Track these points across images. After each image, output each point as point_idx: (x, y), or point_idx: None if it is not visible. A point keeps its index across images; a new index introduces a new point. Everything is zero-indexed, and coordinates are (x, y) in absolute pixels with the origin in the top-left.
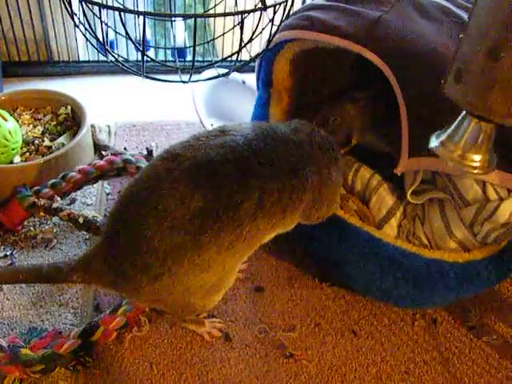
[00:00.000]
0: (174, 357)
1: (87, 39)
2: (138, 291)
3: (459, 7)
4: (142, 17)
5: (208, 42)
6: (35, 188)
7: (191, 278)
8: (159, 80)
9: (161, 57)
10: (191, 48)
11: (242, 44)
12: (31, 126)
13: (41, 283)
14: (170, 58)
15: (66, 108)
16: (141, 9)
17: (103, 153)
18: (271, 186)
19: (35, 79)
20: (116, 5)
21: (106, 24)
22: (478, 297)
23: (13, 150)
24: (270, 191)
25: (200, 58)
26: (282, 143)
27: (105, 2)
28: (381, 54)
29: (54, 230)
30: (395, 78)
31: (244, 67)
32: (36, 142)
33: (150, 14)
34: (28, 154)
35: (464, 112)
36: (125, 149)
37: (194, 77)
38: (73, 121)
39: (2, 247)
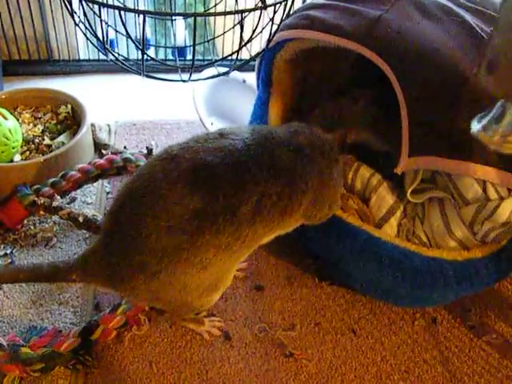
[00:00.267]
0: (174, 356)
1: (87, 38)
2: (135, 290)
3: (460, 6)
4: (142, 15)
5: (208, 41)
6: (35, 187)
7: (188, 277)
8: (159, 79)
9: (161, 56)
10: (191, 47)
11: (242, 43)
12: (31, 124)
13: (40, 282)
14: (171, 57)
15: (66, 107)
16: (141, 8)
17: (103, 152)
18: (269, 190)
19: (35, 78)
20: (116, 3)
21: (106, 23)
22: (478, 296)
23: (13, 148)
24: (269, 195)
25: (200, 57)
26: (280, 147)
27: (105, 1)
28: (381, 53)
29: (54, 229)
30: (396, 78)
31: (244, 66)
32: (36, 140)
33: (149, 12)
34: (28, 152)
35: (502, 100)
36: (125, 147)
37: (194, 76)
38: (73, 119)
39: (2, 246)
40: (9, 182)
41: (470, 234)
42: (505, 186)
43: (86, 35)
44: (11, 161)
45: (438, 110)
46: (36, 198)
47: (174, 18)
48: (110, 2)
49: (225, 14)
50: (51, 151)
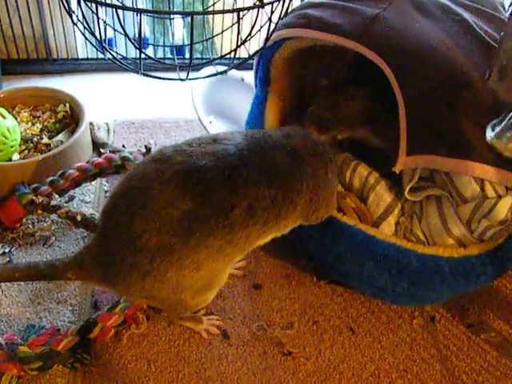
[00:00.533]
0: (172, 354)
1: (85, 37)
2: (130, 288)
3: (458, 4)
4: (139, 14)
5: (207, 40)
6: (34, 185)
7: (180, 277)
8: (157, 78)
9: (160, 54)
10: (189, 45)
11: (240, 42)
12: (30, 123)
13: (37, 281)
14: (169, 56)
15: (65, 105)
16: (140, 6)
17: (101, 150)
18: (262, 194)
19: (34, 77)
20: (114, 2)
21: (104, 21)
22: (476, 294)
23: (11, 147)
24: (261, 199)
25: (199, 56)
26: (274, 150)
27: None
28: (379, 52)
29: (53, 228)
30: (394, 76)
31: (243, 64)
32: (34, 139)
33: (146, 11)
34: (26, 151)
35: None
36: (123, 146)
37: (193, 74)
38: (71, 118)
39: (1, 245)
40: (7, 181)
41: (468, 232)
42: (503, 185)
43: (83, 34)
44: (10, 160)
45: (436, 108)
46: (34, 197)
47: (172, 16)
48: (109, 1)
49: (222, 12)
50: (49, 150)
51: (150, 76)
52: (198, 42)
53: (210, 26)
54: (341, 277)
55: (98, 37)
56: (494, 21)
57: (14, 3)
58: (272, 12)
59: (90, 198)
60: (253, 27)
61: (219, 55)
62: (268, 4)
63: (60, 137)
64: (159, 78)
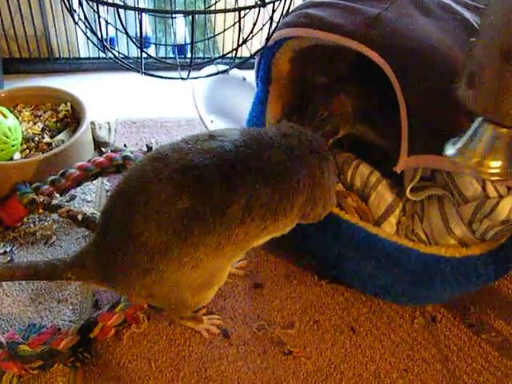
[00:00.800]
0: (173, 353)
1: (86, 36)
2: (130, 287)
3: (459, 4)
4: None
5: (208, 39)
6: (35, 185)
7: (179, 274)
8: (158, 77)
9: (162, 54)
10: (190, 44)
11: (241, 41)
12: (31, 122)
13: (37, 280)
14: (171, 55)
15: (66, 105)
16: (142, 6)
17: (103, 149)
18: (259, 192)
19: (36, 76)
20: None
21: (106, 20)
22: (477, 294)
23: (13, 146)
24: (258, 196)
25: (201, 55)
26: (270, 148)
27: None
28: (380, 52)
29: (54, 227)
30: (395, 76)
31: (245, 64)
32: (36, 138)
33: (148, 10)
34: (28, 150)
35: (480, 118)
36: (125, 145)
37: (194, 73)
38: (73, 117)
39: (2, 244)
40: (8, 180)
41: (469, 231)
42: (504, 185)
43: (85, 33)
44: (11, 159)
45: (437, 108)
46: (35, 196)
47: (173, 15)
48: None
49: (223, 11)
50: (51, 149)
51: (151, 75)
52: (200, 41)
53: (212, 25)
54: (342, 275)
55: (100, 36)
56: None
57: (15, 2)
58: (273, 11)
59: (92, 197)
60: (254, 26)
61: (221, 54)
62: (269, 3)
63: (61, 136)
64: (160, 77)
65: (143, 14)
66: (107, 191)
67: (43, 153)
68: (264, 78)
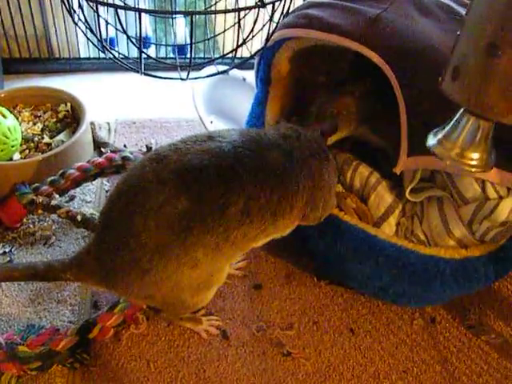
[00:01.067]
0: (171, 354)
1: (86, 36)
2: (129, 288)
3: (460, 4)
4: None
5: (208, 40)
6: (34, 185)
7: (179, 274)
8: (157, 77)
9: (163, 54)
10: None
11: (240, 41)
12: (31, 123)
13: (35, 281)
14: (172, 55)
15: (66, 105)
16: (142, 6)
17: (102, 150)
18: (258, 193)
19: (36, 76)
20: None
21: (106, 21)
22: (477, 295)
23: (12, 147)
24: (257, 197)
25: (202, 55)
26: (269, 150)
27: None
28: (380, 52)
29: (53, 227)
30: (394, 76)
31: (245, 64)
32: (35, 139)
33: (146, 11)
34: (27, 151)
35: (462, 110)
36: (124, 146)
37: (194, 74)
38: (72, 118)
39: (1, 244)
40: (8, 181)
41: (469, 233)
42: (504, 186)
43: (84, 33)
44: (10, 159)
45: (437, 108)
46: (34, 197)
47: (173, 16)
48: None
49: (222, 12)
50: (50, 150)
51: (151, 75)
52: (200, 42)
53: (213, 25)
54: (341, 276)
55: (99, 36)
56: None
57: (16, 2)
58: (273, 12)
59: (91, 198)
60: (253, 27)
61: (221, 55)
62: (269, 4)
63: (61, 136)
64: (160, 77)
65: (143, 14)
66: (107, 192)
67: (43, 153)
68: (264, 78)
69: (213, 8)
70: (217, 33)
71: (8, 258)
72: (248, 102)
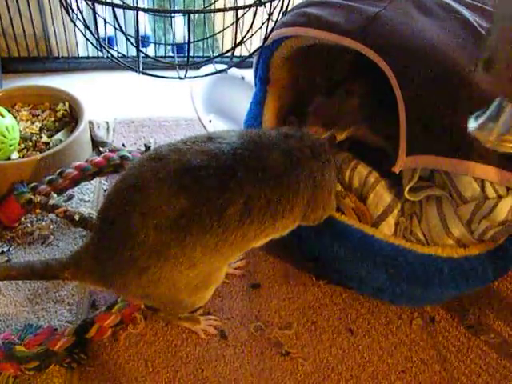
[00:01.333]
0: (169, 354)
1: (83, 35)
2: (126, 287)
3: (459, 3)
4: (139, 12)
5: (207, 38)
6: (32, 184)
7: (176, 273)
8: (155, 76)
9: (162, 52)
10: (190, 43)
11: (237, 40)
12: (29, 122)
13: (33, 280)
14: (171, 54)
15: (64, 104)
16: (141, 5)
17: (101, 149)
18: (257, 193)
19: (35, 75)
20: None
21: (104, 19)
22: (476, 295)
23: (10, 146)
24: (257, 198)
25: (201, 54)
26: (269, 150)
27: None
28: (379, 51)
29: (51, 227)
30: (394, 75)
31: (244, 62)
32: (34, 138)
33: (143, 9)
34: (26, 150)
35: (499, 98)
36: (123, 145)
37: (193, 73)
38: (71, 117)
39: None
40: (6, 180)
41: (468, 232)
42: (504, 185)
43: (82, 32)
44: (8, 158)
45: (436, 108)
46: (32, 196)
47: (173, 14)
48: None
49: (220, 10)
50: (49, 149)
51: (149, 74)
52: (198, 41)
53: (212, 23)
54: (339, 277)
55: (96, 35)
56: None
57: (14, 1)
58: (271, 11)
59: (89, 197)
60: (251, 25)
61: (219, 53)
62: (266, 2)
63: (59, 135)
64: (157, 76)
65: (142, 12)
66: (105, 191)
67: (41, 152)
68: (262, 77)
69: (212, 7)
70: (216, 31)
71: (6, 258)
72: (247, 100)
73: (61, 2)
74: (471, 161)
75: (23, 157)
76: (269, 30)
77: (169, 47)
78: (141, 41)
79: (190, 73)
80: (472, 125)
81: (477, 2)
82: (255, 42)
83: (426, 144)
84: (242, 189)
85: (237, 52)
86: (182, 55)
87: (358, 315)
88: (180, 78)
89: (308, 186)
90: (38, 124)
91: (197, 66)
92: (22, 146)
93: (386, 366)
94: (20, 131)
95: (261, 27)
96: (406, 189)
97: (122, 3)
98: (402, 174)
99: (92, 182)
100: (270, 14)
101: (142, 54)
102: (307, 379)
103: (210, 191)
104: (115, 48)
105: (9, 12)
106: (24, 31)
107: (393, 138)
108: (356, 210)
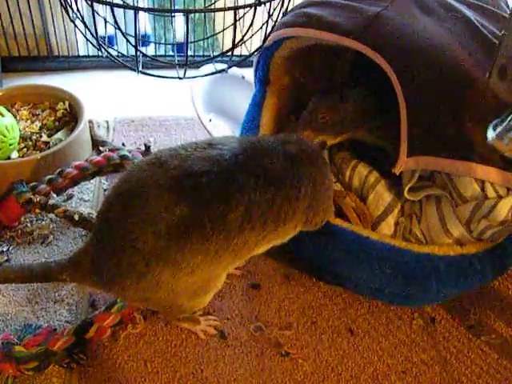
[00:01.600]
0: (169, 354)
1: (82, 34)
2: (124, 290)
3: (461, 3)
4: (140, 12)
5: (207, 38)
6: (32, 184)
7: (176, 280)
8: (154, 75)
9: (162, 52)
10: (191, 43)
11: (237, 40)
12: (29, 121)
13: (31, 282)
14: (172, 53)
15: (64, 103)
16: (142, 4)
17: (101, 148)
18: (259, 199)
19: (35, 74)
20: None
21: (104, 19)
22: (477, 295)
23: (10, 145)
24: (258, 204)
25: (201, 53)
26: (269, 156)
27: None
28: (380, 51)
29: (51, 226)
30: (395, 76)
31: (244, 62)
32: (33, 137)
33: (143, 8)
34: (25, 149)
35: None
36: (123, 144)
37: (193, 72)
38: (71, 116)
39: None
40: (6, 180)
41: (467, 232)
42: (505, 186)
43: (81, 31)
44: (8, 158)
45: (438, 108)
46: (32, 196)
47: (173, 14)
48: None
49: (219, 10)
50: (49, 148)
51: (148, 74)
52: (198, 41)
53: (213, 23)
54: (336, 279)
55: (95, 34)
56: (497, 19)
57: (15, 0)
58: (271, 12)
59: (89, 197)
60: (250, 26)
61: (219, 52)
62: (265, 2)
63: (59, 135)
64: (157, 76)
65: (141, 12)
66: (105, 190)
67: (41, 152)
68: (262, 78)
69: (212, 6)
70: (217, 31)
71: (5, 258)
72: (247, 100)
73: (60, 2)
74: (473, 162)
75: (23, 156)
76: (269, 29)
77: (169, 46)
78: (141, 40)
79: (190, 72)
80: (491, 134)
81: (478, 1)
82: (255, 42)
83: (427, 145)
84: (243, 195)
85: (237, 51)
86: (182, 54)
87: (357, 315)
88: (179, 78)
89: (308, 192)
90: (38, 123)
91: (197, 65)
92: (22, 145)
93: (386, 366)
94: (20, 130)
95: (261, 27)
96: (406, 188)
97: (121, 2)
98: (402, 173)
99: (92, 181)
100: (270, 14)
101: (140, 54)
102: (307, 379)
103: (210, 197)
104: (115, 47)
105: (9, 11)
106: (24, 30)
107: (393, 138)
108: (356, 210)
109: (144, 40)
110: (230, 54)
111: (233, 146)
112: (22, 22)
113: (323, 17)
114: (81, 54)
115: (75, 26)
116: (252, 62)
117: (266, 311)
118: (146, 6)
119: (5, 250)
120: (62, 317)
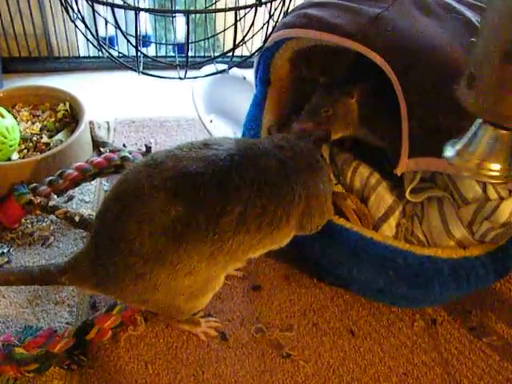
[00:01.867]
0: (170, 356)
1: (83, 34)
2: (123, 292)
3: (462, 3)
4: (141, 12)
5: (208, 39)
6: (32, 185)
7: (173, 281)
8: (155, 76)
9: (163, 52)
10: (191, 43)
11: (237, 40)
12: (29, 122)
13: (31, 285)
14: (173, 54)
15: (65, 104)
16: (143, 4)
17: (101, 149)
18: (254, 201)
19: (36, 75)
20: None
21: (105, 19)
22: (478, 297)
23: (10, 146)
24: (253, 206)
25: (202, 54)
26: (265, 159)
27: None
28: (381, 52)
29: (51, 228)
30: (396, 77)
31: (245, 62)
32: (34, 138)
33: (144, 9)
34: (26, 150)
35: (479, 119)
36: (124, 145)
37: (193, 73)
38: (71, 117)
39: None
40: (6, 181)
41: (469, 233)
42: (508, 188)
43: (82, 31)
44: (9, 159)
45: (439, 109)
46: (33, 197)
47: (174, 14)
48: None
49: (220, 10)
50: (49, 149)
51: (149, 74)
52: (199, 41)
53: (213, 23)
54: (339, 280)
55: (96, 34)
56: None
57: (15, 1)
58: (271, 12)
59: (90, 198)
60: (251, 26)
61: (220, 53)
62: (266, 3)
63: (60, 136)
64: (157, 76)
65: (142, 12)
66: (105, 192)
67: (41, 153)
68: (263, 79)
69: (213, 7)
70: (218, 31)
71: (6, 259)
72: (248, 100)
73: (61, 2)
74: None
75: (23, 157)
76: (270, 30)
77: (169, 47)
78: (141, 40)
79: (191, 73)
80: (449, 153)
81: (479, 2)
82: (256, 42)
83: (428, 146)
84: (239, 196)
85: (238, 52)
86: (183, 55)
87: (359, 317)
88: (180, 79)
89: (303, 195)
90: (39, 124)
91: (198, 65)
92: (23, 146)
93: (387, 368)
94: (20, 132)
95: (262, 28)
96: (408, 190)
97: (122, 3)
98: (403, 175)
99: (92, 182)
100: (271, 15)
101: (141, 54)
102: (308, 381)
103: (206, 198)
104: (116, 48)
105: (9, 12)
106: (25, 31)
107: (394, 140)
108: (357, 212)
109: (145, 40)
110: (230, 54)
111: (229, 147)
112: (23, 23)
113: (324, 18)
114: (81, 54)
115: (76, 26)
116: (253, 62)
117: (266, 313)
118: (147, 7)
119: (5, 251)
120: (62, 318)
